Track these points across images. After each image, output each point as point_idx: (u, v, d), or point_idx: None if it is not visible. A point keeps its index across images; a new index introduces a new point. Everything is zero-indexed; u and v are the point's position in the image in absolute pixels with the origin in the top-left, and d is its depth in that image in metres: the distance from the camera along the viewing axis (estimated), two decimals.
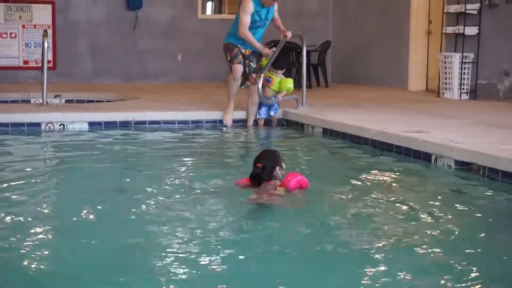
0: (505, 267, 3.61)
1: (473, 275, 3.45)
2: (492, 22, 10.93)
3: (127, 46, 14.68)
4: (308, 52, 12.15)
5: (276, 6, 8.77)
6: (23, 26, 14.03)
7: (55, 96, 9.47)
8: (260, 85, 8.65)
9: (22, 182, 5.38)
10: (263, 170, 4.86)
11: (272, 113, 9.11)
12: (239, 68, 8.70)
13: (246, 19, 8.53)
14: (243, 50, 8.75)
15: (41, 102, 9.47)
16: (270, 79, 8.99)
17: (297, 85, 10.48)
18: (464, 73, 11.10)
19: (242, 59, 8.73)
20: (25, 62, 14.12)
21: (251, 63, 8.80)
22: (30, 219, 4.34)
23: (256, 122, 9.12)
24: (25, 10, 14.00)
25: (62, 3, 14.22)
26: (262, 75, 8.65)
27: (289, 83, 9.08)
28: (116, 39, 14.61)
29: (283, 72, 9.19)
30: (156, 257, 3.62)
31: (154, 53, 14.81)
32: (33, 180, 5.51)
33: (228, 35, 8.88)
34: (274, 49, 8.90)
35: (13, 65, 14.04)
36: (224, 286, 3.26)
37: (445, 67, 11.22)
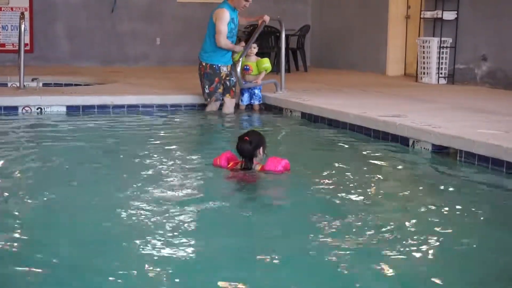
0: (475, 248, 3.68)
1: (443, 255, 3.51)
2: (470, 7, 10.98)
3: (106, 29, 14.57)
4: (287, 36, 12.11)
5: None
6: (0, 9, 13.87)
7: (32, 80, 9.40)
8: (238, 69, 8.67)
9: None
10: (250, 144, 4.94)
11: (255, 102, 9.13)
12: (214, 107, 8.83)
13: (224, 28, 8.58)
14: (224, 69, 8.75)
15: (18, 85, 9.39)
16: (248, 67, 9.01)
17: (276, 69, 10.48)
18: (442, 57, 11.17)
19: (221, 85, 8.78)
20: (2, 45, 13.98)
21: (232, 78, 8.86)
22: (4, 202, 4.33)
23: (237, 106, 9.14)
24: None
25: None
26: (240, 61, 8.67)
27: (266, 62, 9.08)
28: (95, 22, 14.48)
29: (255, 53, 9.17)
30: (135, 238, 3.63)
31: (133, 36, 14.71)
32: (8, 160, 5.49)
33: (206, 53, 8.77)
34: (242, 43, 9.02)
35: None
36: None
37: (423, 52, 11.28)
